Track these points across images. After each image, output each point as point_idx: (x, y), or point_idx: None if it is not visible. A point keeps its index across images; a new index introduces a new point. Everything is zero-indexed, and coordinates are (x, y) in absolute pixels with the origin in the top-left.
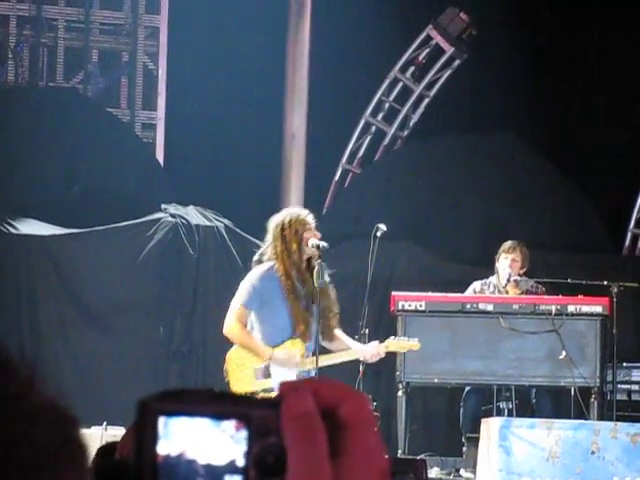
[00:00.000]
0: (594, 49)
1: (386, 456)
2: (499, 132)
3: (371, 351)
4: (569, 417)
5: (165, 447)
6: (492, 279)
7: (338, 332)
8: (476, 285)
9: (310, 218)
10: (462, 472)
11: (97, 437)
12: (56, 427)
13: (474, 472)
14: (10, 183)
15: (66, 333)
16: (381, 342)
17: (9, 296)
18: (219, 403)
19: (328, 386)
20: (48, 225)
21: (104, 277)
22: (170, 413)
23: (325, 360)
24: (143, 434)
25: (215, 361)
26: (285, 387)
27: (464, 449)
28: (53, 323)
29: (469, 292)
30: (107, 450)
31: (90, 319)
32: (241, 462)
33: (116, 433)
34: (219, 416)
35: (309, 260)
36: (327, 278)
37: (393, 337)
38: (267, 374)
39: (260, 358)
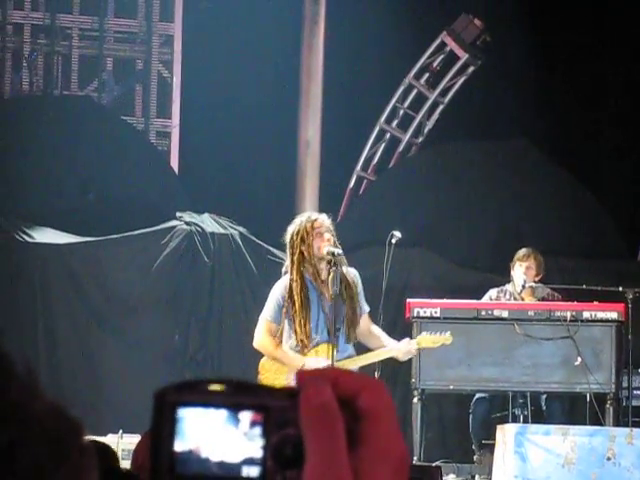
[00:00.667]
0: (609, 54)
1: (405, 446)
2: (513, 138)
3: (403, 349)
4: (585, 423)
5: (182, 440)
6: (508, 287)
7: (374, 329)
8: (492, 292)
9: (320, 222)
10: (477, 479)
11: (113, 445)
12: (58, 435)
13: (489, 479)
14: (25, 192)
15: (82, 341)
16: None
17: (25, 304)
18: (237, 394)
19: (347, 376)
20: (63, 233)
21: (119, 285)
22: (187, 404)
23: (361, 361)
24: (160, 425)
25: (230, 368)
26: (303, 377)
27: (475, 456)
28: (69, 331)
29: (485, 299)
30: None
31: (105, 327)
32: (258, 454)
33: (132, 441)
34: (237, 407)
35: (331, 264)
36: (354, 272)
37: (425, 332)
38: None
39: (293, 367)
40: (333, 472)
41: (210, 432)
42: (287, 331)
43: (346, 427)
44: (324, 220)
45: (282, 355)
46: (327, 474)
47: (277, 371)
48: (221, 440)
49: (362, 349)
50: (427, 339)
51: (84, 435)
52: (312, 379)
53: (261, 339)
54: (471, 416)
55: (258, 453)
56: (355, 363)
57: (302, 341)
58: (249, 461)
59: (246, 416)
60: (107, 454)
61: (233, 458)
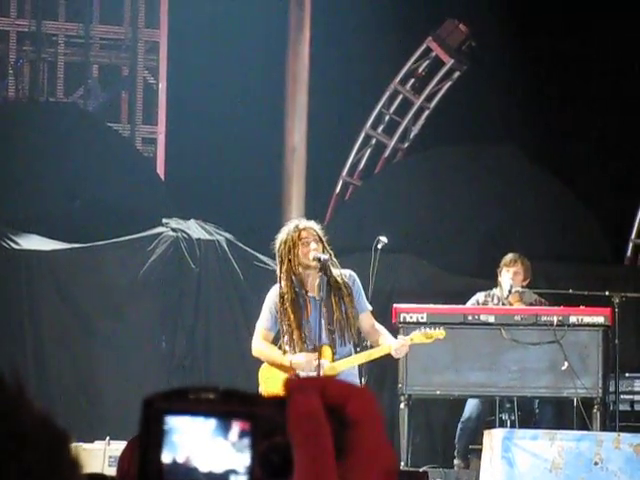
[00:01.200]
0: (595, 58)
1: (393, 454)
2: (499, 143)
3: (396, 345)
4: (572, 428)
5: (169, 449)
6: (495, 291)
7: (378, 326)
8: (479, 296)
9: (306, 232)
10: None
11: (100, 451)
12: (46, 446)
13: None
14: (11, 198)
15: (69, 348)
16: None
17: (11, 311)
18: (225, 402)
19: (335, 384)
20: (49, 240)
21: (106, 292)
22: (176, 412)
23: (354, 361)
24: (148, 433)
25: (217, 374)
26: (291, 386)
27: (455, 461)
28: (55, 338)
29: (472, 303)
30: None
31: (92, 334)
32: (246, 461)
33: (119, 447)
34: (225, 415)
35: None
36: (350, 273)
37: (418, 330)
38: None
39: (284, 367)
40: None
41: (198, 442)
42: (286, 340)
43: (334, 435)
44: (311, 228)
45: (275, 356)
46: None
47: (275, 377)
48: (209, 450)
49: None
50: (420, 335)
51: (73, 446)
52: (300, 387)
53: (257, 345)
54: (459, 431)
55: (246, 463)
56: (349, 363)
57: (295, 348)
58: (237, 470)
59: (234, 425)
60: None
61: (221, 468)
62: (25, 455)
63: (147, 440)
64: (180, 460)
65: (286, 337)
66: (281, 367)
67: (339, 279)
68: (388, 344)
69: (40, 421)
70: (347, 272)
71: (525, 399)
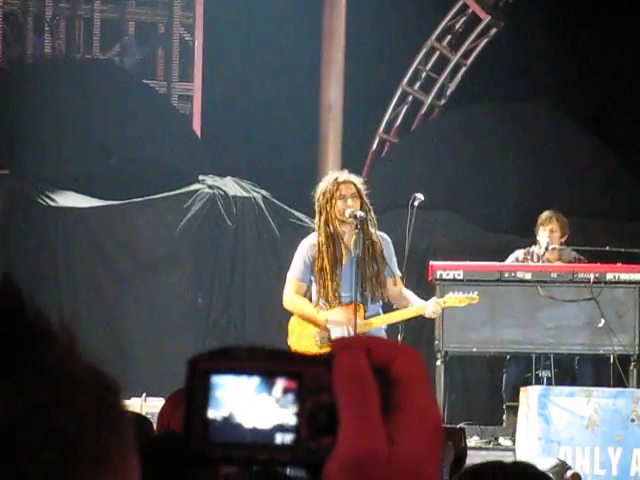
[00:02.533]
0: (635, 12)
1: (439, 413)
2: (536, 100)
3: (431, 307)
4: (608, 385)
5: (215, 407)
6: (534, 248)
7: (405, 292)
8: (519, 253)
9: (345, 185)
10: (501, 440)
11: (137, 408)
12: (97, 394)
13: (513, 440)
14: (47, 155)
15: (105, 305)
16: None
17: (48, 268)
18: (270, 360)
19: (381, 343)
20: (86, 197)
21: (142, 249)
22: (220, 371)
23: (390, 319)
24: (193, 392)
25: (254, 332)
26: (337, 344)
27: (504, 416)
28: (92, 295)
29: (510, 260)
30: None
31: (128, 290)
32: (292, 421)
33: (155, 404)
34: (270, 374)
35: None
36: (385, 236)
37: (452, 292)
38: (329, 338)
39: (317, 324)
40: (367, 438)
41: (243, 399)
42: (314, 289)
43: (380, 394)
44: (351, 183)
45: (309, 312)
46: (362, 442)
47: (305, 331)
48: (254, 407)
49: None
50: (454, 298)
51: (122, 395)
52: (346, 346)
53: (290, 298)
54: (504, 376)
55: (291, 420)
56: (382, 321)
57: (328, 299)
58: (283, 428)
59: (279, 383)
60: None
61: (266, 425)
62: (78, 403)
63: (192, 399)
64: (225, 417)
65: (318, 287)
66: (314, 323)
67: (374, 238)
68: (422, 305)
69: (91, 370)
70: (383, 234)
71: (564, 356)
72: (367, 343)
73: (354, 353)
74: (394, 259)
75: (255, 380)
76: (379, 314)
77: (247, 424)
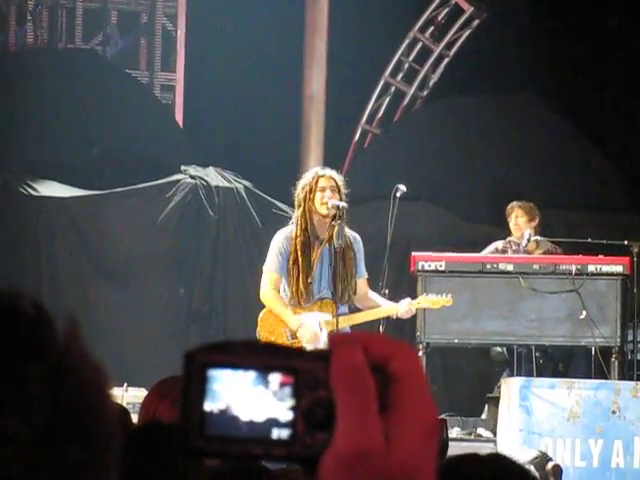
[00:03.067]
0: (618, 4)
1: (436, 410)
2: (519, 92)
3: (403, 308)
4: (590, 377)
5: (211, 401)
6: (512, 238)
7: (372, 294)
8: (498, 243)
9: (324, 179)
10: (483, 432)
11: (118, 398)
12: (98, 382)
13: (495, 432)
14: (29, 145)
15: (86, 295)
16: (413, 299)
17: (29, 259)
18: (267, 355)
19: (378, 340)
20: (67, 187)
21: (124, 239)
22: (218, 365)
23: (359, 318)
24: (190, 386)
25: (236, 321)
26: (335, 340)
27: (485, 407)
28: (73, 285)
29: (490, 250)
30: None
31: (110, 281)
32: (288, 416)
33: (137, 394)
34: (267, 368)
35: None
36: (356, 236)
37: (425, 294)
38: (295, 337)
39: (288, 326)
40: (364, 434)
41: (240, 393)
42: (283, 284)
43: (377, 391)
44: (331, 177)
45: (282, 311)
46: (358, 436)
47: (275, 324)
48: (251, 401)
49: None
50: (428, 300)
51: (110, 383)
52: (343, 342)
53: (266, 293)
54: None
55: (288, 415)
56: (352, 320)
57: (299, 296)
58: (279, 423)
59: (276, 378)
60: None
61: (262, 420)
62: (86, 390)
63: (188, 392)
64: (221, 411)
65: (291, 281)
66: (285, 324)
67: (348, 238)
68: (392, 306)
69: (91, 358)
70: (354, 234)
71: (543, 347)
72: (364, 339)
73: (351, 349)
74: (363, 259)
75: (252, 374)
76: (346, 314)
77: (243, 418)
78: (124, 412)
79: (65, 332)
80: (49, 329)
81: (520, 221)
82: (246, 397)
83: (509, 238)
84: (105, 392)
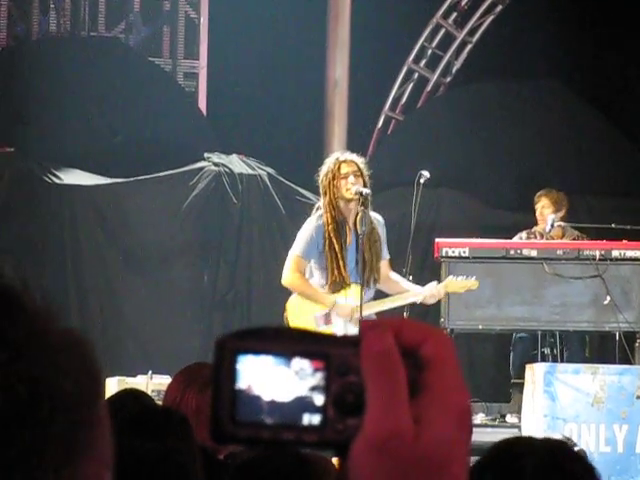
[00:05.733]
0: None
1: (467, 395)
2: (542, 78)
3: (430, 292)
4: (614, 362)
5: (242, 387)
6: (537, 228)
7: (394, 275)
8: (522, 234)
9: (346, 164)
10: (507, 418)
11: (142, 386)
12: (82, 357)
13: (519, 418)
14: (53, 133)
15: (110, 282)
16: (439, 283)
17: (53, 247)
18: (298, 341)
19: (410, 325)
20: (91, 175)
21: (148, 226)
22: (249, 351)
23: (387, 303)
24: (221, 373)
25: (259, 309)
26: (366, 325)
27: (510, 393)
28: (97, 272)
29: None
30: (136, 395)
31: (134, 268)
32: (319, 401)
33: (161, 381)
34: (298, 354)
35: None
36: (380, 219)
37: (452, 276)
38: (328, 321)
39: (323, 306)
40: (394, 420)
41: (271, 380)
42: (316, 270)
43: (408, 377)
44: (352, 162)
45: (313, 292)
46: (388, 422)
47: (303, 310)
48: (282, 388)
49: (382, 295)
50: (454, 283)
51: (94, 350)
52: (374, 327)
53: (290, 275)
54: (512, 354)
55: (318, 400)
56: (382, 305)
57: (334, 282)
58: (309, 409)
59: (307, 363)
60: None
61: (293, 405)
62: (72, 369)
63: (219, 379)
64: (252, 397)
65: (329, 267)
66: (319, 303)
67: (372, 221)
68: (421, 291)
69: (73, 336)
70: (377, 216)
71: (568, 333)
72: (396, 324)
73: (382, 334)
74: (385, 242)
75: (283, 360)
76: (372, 300)
77: (274, 404)
78: (144, 396)
79: (42, 309)
80: (15, 311)
81: (545, 212)
82: (277, 383)
83: (534, 228)
84: (90, 358)
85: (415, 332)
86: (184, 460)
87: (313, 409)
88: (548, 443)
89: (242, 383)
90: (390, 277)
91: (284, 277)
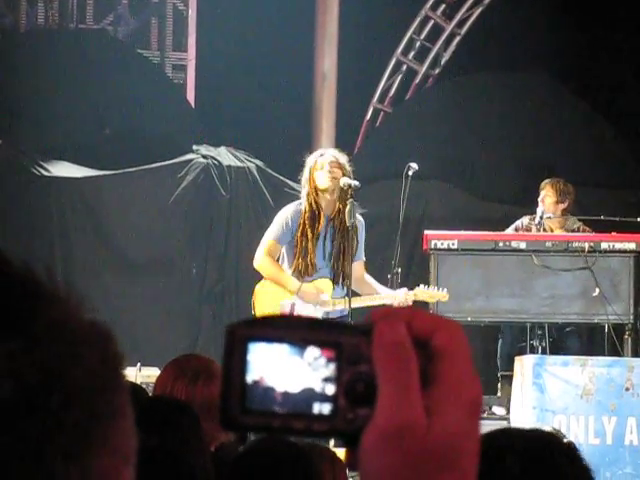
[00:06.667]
0: None
1: (479, 386)
2: (531, 70)
3: (400, 298)
4: (603, 354)
5: (252, 375)
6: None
7: (368, 278)
8: (524, 219)
9: (328, 157)
10: (495, 409)
11: (131, 378)
12: (100, 347)
13: (508, 410)
14: (41, 125)
15: (99, 275)
16: (410, 289)
17: (42, 239)
18: (309, 329)
19: (422, 315)
20: (79, 167)
21: (136, 218)
22: (259, 339)
23: (355, 302)
24: (231, 361)
25: (248, 301)
26: (377, 315)
27: (498, 386)
28: (86, 265)
29: (515, 225)
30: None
31: (122, 261)
32: (330, 391)
33: (150, 373)
34: (309, 342)
35: (343, 200)
36: (361, 219)
37: (423, 286)
38: (293, 310)
39: (288, 291)
40: (405, 410)
41: (281, 367)
42: (286, 256)
43: (420, 366)
44: (334, 156)
45: (282, 277)
46: (399, 411)
47: (272, 296)
48: (292, 376)
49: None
50: (424, 292)
51: (119, 346)
52: (386, 316)
53: (262, 259)
54: (499, 345)
55: (329, 390)
56: (346, 303)
57: (301, 271)
58: (320, 398)
59: (318, 352)
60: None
61: (304, 394)
62: (86, 357)
63: (229, 366)
64: (262, 386)
65: (296, 254)
66: (284, 288)
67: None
68: (390, 293)
69: (91, 325)
70: (359, 217)
71: (555, 326)
72: (408, 314)
73: (394, 323)
74: (363, 244)
75: (293, 348)
76: (344, 298)
77: (285, 393)
78: (139, 390)
79: (61, 297)
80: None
81: (547, 201)
82: (288, 372)
83: (534, 215)
84: (111, 352)
85: (426, 322)
86: (191, 456)
87: (324, 398)
88: (534, 435)
89: (255, 371)
90: (364, 279)
91: (255, 260)
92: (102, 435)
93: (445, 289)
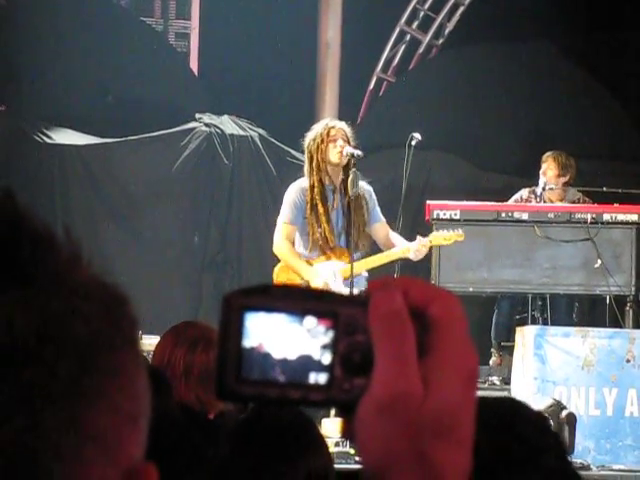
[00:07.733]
0: None
1: (475, 357)
2: (534, 40)
3: (414, 247)
4: (604, 325)
5: (248, 344)
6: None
7: (393, 235)
8: (523, 192)
9: (335, 129)
10: (495, 380)
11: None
12: (108, 303)
13: (508, 381)
14: (44, 93)
15: (100, 243)
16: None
17: (44, 206)
18: (306, 299)
19: (418, 285)
20: (82, 135)
21: (138, 187)
22: (255, 308)
23: (373, 262)
24: (227, 329)
25: (250, 270)
26: (374, 285)
27: (492, 358)
28: (87, 231)
29: (515, 198)
30: None
31: (124, 228)
32: (326, 360)
33: (150, 342)
34: (306, 312)
35: (346, 170)
36: (367, 186)
37: (437, 231)
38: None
39: (304, 280)
40: (401, 379)
41: (277, 337)
42: (300, 235)
43: (416, 337)
44: (341, 128)
45: (296, 263)
46: (396, 381)
47: (290, 278)
48: (290, 342)
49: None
50: (439, 236)
51: (130, 304)
52: (382, 286)
53: (280, 244)
54: (495, 315)
55: (325, 359)
56: (367, 264)
57: (321, 246)
58: (317, 367)
59: (315, 321)
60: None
61: (300, 364)
62: (89, 313)
63: (226, 335)
64: (259, 355)
65: (311, 231)
66: (297, 274)
67: (360, 188)
68: (406, 246)
69: (98, 281)
70: (365, 184)
71: (556, 297)
72: (404, 284)
73: (390, 293)
74: (377, 206)
75: (290, 318)
76: (359, 260)
77: (281, 363)
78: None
79: (67, 248)
80: (50, 245)
81: (549, 174)
82: (284, 341)
83: (535, 187)
84: (117, 307)
85: (423, 292)
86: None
87: (320, 368)
88: (500, 404)
89: (251, 340)
90: (389, 238)
91: (274, 245)
92: (98, 390)
93: (460, 229)
